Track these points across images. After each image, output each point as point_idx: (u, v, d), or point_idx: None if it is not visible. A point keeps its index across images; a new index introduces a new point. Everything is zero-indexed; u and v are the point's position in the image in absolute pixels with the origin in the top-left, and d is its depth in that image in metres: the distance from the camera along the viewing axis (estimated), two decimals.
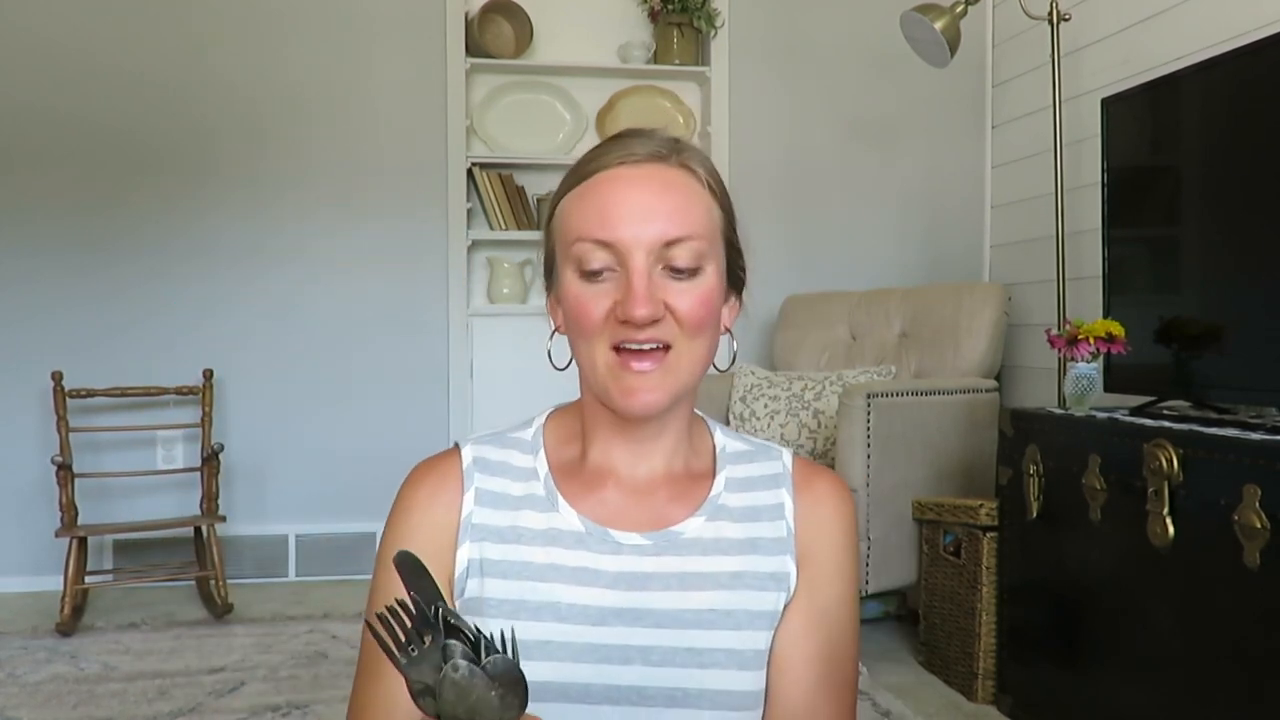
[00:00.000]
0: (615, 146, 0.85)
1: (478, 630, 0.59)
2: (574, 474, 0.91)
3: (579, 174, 0.86)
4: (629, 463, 0.90)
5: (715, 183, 0.87)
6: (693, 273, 0.82)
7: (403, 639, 0.58)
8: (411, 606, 0.59)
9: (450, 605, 0.59)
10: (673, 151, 0.85)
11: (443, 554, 0.87)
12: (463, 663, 0.56)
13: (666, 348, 0.82)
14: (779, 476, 0.92)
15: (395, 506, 0.91)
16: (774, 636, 0.87)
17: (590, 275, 0.82)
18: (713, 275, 0.84)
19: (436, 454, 0.93)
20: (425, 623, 0.58)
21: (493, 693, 0.56)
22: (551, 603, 0.84)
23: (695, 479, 0.91)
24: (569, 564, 0.86)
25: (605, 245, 0.81)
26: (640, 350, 0.82)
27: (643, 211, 0.81)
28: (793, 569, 0.88)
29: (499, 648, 0.59)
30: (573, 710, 0.82)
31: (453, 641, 0.58)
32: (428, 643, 0.58)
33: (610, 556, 0.86)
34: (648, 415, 0.84)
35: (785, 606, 0.88)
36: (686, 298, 0.82)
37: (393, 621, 0.58)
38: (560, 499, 0.89)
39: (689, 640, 0.84)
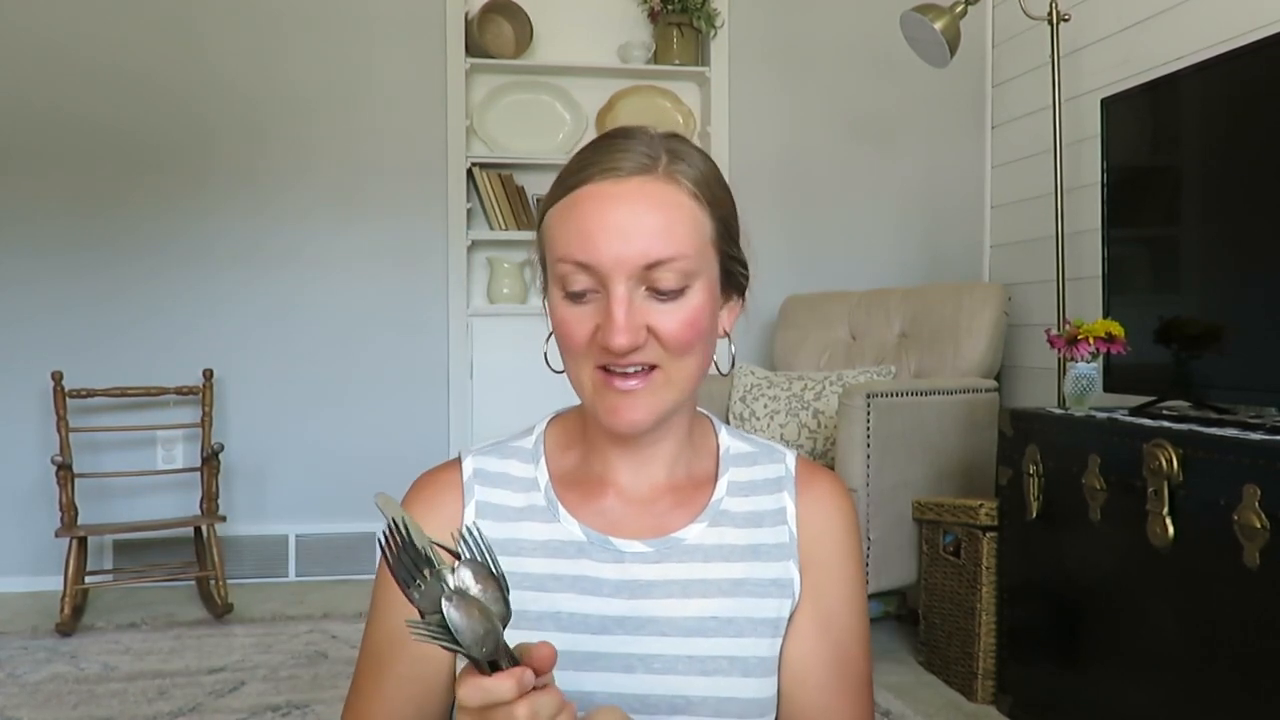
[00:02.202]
0: (601, 157, 0.82)
1: (456, 543, 0.67)
2: (575, 482, 0.90)
3: (565, 185, 0.83)
4: (629, 473, 0.89)
5: (705, 190, 0.83)
6: (678, 293, 0.80)
7: (410, 580, 0.65)
8: (406, 546, 0.65)
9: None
10: (660, 160, 0.81)
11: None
12: (446, 603, 0.63)
13: (652, 368, 0.81)
14: (781, 479, 0.91)
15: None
16: (784, 644, 0.87)
17: (574, 296, 0.80)
18: (700, 292, 0.81)
19: (438, 465, 0.93)
20: (420, 560, 0.65)
21: (484, 600, 0.65)
22: (552, 613, 0.84)
23: (697, 485, 0.91)
24: (570, 573, 0.85)
25: (585, 267, 0.79)
26: (625, 372, 0.81)
27: (622, 233, 0.78)
28: (796, 575, 0.88)
29: (475, 552, 0.66)
30: None
31: (442, 570, 0.65)
32: (428, 576, 0.65)
33: (612, 565, 0.86)
34: (634, 433, 0.83)
35: (792, 614, 0.87)
36: (671, 319, 0.80)
37: (393, 562, 0.65)
38: (561, 509, 0.88)
39: (690, 648, 0.84)
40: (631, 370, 0.80)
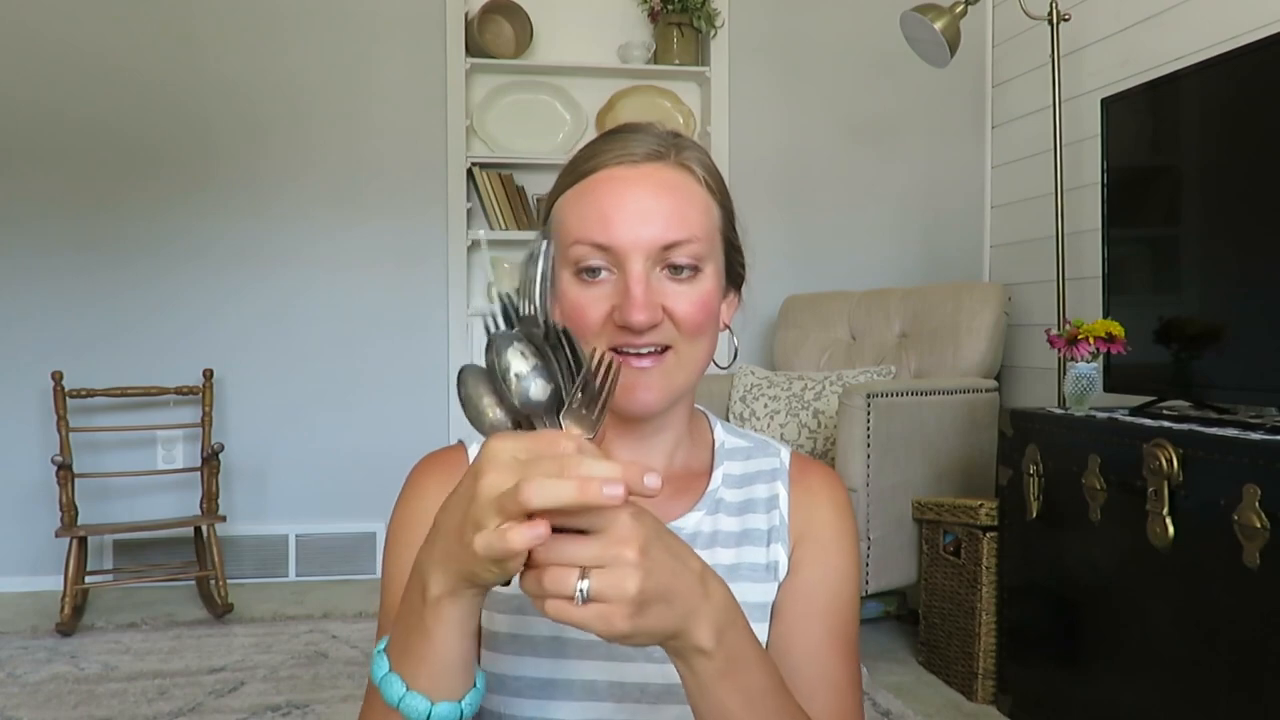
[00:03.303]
0: (613, 145, 0.84)
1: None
2: None
3: (576, 173, 0.85)
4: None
5: (713, 180, 0.86)
6: (691, 275, 0.82)
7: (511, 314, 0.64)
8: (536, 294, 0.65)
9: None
10: (671, 149, 0.84)
11: None
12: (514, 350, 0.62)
13: (665, 349, 0.82)
14: (776, 471, 0.92)
15: (405, 493, 0.89)
16: (776, 612, 0.87)
17: (587, 275, 0.81)
18: (711, 276, 0.84)
19: (443, 448, 0.93)
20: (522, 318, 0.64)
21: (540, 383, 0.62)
22: None
23: (694, 476, 0.92)
24: None
25: (603, 249, 0.80)
26: (639, 352, 0.81)
27: (641, 214, 0.80)
28: (784, 557, 0.88)
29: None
30: (578, 707, 0.82)
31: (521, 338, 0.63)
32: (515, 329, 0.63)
33: None
34: (646, 414, 0.83)
35: (782, 585, 0.88)
36: (685, 301, 0.81)
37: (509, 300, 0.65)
38: None
39: None
40: (646, 351, 0.81)
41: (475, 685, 0.67)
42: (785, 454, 0.94)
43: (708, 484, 0.91)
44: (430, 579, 0.61)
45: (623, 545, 0.58)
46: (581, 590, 0.56)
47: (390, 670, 0.65)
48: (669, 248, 0.81)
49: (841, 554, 0.90)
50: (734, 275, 0.90)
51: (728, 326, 0.91)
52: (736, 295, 0.92)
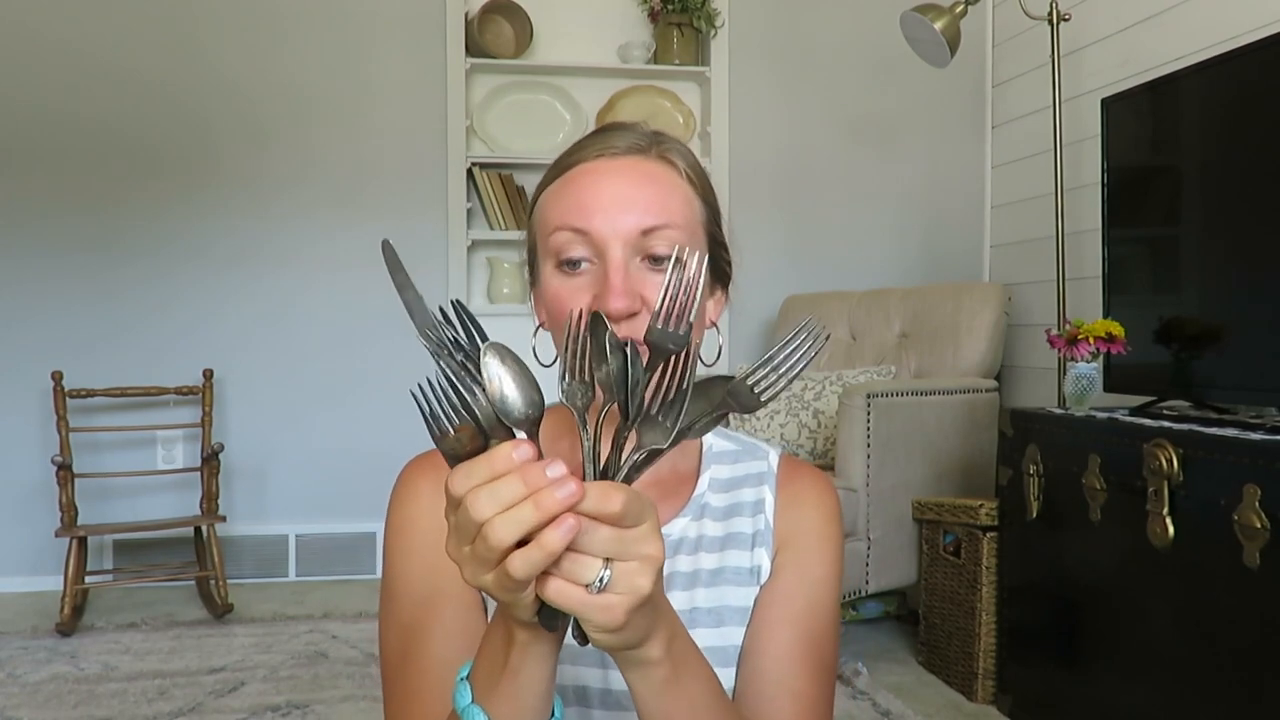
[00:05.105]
0: (595, 141, 0.85)
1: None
2: None
3: (558, 168, 0.86)
4: None
5: (696, 175, 0.87)
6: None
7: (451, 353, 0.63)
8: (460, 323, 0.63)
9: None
10: (652, 144, 0.85)
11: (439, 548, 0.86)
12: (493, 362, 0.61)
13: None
14: (763, 475, 0.92)
15: (398, 496, 0.89)
16: (751, 616, 0.86)
17: (568, 268, 0.82)
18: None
19: (429, 451, 0.90)
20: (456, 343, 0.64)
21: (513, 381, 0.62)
22: None
23: (681, 480, 0.91)
24: None
25: (582, 234, 0.81)
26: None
27: (620, 202, 0.81)
28: (767, 562, 0.88)
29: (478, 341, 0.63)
30: (569, 713, 0.82)
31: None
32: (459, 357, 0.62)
33: None
34: None
35: (761, 589, 0.87)
36: None
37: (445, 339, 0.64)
38: None
39: None
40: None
41: (554, 714, 0.68)
42: (774, 457, 0.94)
43: (694, 489, 0.91)
44: (515, 624, 0.63)
45: (652, 544, 0.58)
46: (601, 578, 0.56)
47: (473, 701, 0.66)
48: (648, 233, 0.81)
49: (824, 562, 0.89)
50: (719, 273, 0.90)
51: (714, 324, 0.90)
52: (724, 293, 0.92)
